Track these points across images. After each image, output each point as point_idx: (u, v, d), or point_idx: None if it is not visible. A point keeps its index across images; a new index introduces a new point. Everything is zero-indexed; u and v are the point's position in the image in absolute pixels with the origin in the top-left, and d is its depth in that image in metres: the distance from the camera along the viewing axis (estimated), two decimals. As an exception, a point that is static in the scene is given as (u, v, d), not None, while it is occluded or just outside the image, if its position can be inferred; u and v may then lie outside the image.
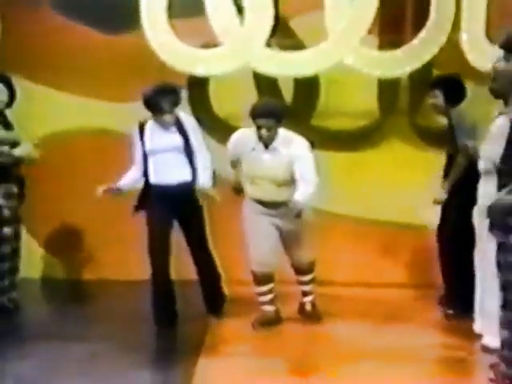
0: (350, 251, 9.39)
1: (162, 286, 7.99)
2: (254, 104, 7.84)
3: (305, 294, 8.26)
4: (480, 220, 6.95)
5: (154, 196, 7.94)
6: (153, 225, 7.94)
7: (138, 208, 7.92)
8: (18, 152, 8.38)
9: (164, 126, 7.92)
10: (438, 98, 8.51)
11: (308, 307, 8.19)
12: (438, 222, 8.59)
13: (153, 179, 7.89)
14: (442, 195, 8.10)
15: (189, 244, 8.18)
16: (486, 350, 6.93)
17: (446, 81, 8.57)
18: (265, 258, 7.92)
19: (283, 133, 7.71)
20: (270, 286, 8.05)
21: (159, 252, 7.95)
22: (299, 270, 8.20)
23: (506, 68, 6.47)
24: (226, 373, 6.64)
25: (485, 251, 6.96)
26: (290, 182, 7.74)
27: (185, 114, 8.14)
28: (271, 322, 7.96)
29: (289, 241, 8.01)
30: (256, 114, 7.62)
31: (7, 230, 8.49)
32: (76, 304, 9.32)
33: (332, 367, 6.72)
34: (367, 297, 9.15)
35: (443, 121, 8.66)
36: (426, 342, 7.56)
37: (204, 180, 7.80)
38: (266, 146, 7.73)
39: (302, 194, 7.60)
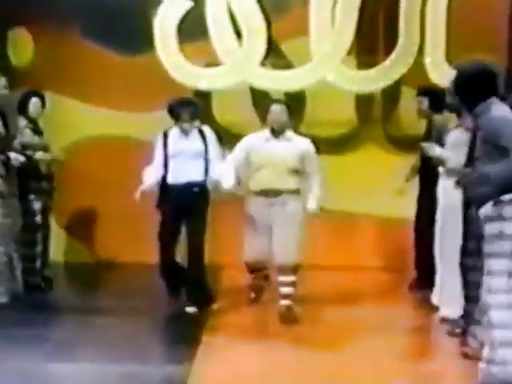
0: (329, 238, 9.43)
1: (168, 268, 8.00)
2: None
3: (283, 296, 7.73)
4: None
5: (170, 194, 7.97)
6: (165, 219, 7.98)
7: (159, 205, 7.95)
8: (46, 156, 8.51)
9: (184, 132, 8.01)
10: (422, 104, 8.63)
11: (283, 310, 7.60)
12: (415, 214, 8.79)
13: (170, 179, 7.93)
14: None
15: (187, 235, 8.10)
16: (444, 320, 7.26)
17: (431, 90, 8.70)
18: (257, 255, 7.82)
19: (290, 132, 7.82)
20: (262, 273, 8.06)
21: (167, 238, 7.94)
22: (282, 270, 7.74)
23: None
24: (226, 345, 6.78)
25: (445, 226, 7.35)
26: (294, 172, 7.70)
27: (207, 127, 8.18)
28: (261, 289, 8.02)
29: (278, 232, 7.71)
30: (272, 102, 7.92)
31: (38, 219, 8.65)
32: (97, 283, 9.60)
33: (321, 340, 6.84)
34: (347, 279, 9.27)
35: (413, 129, 9.06)
36: (396, 314, 7.86)
37: (217, 183, 7.85)
38: (277, 136, 7.72)
39: (314, 202, 7.68)
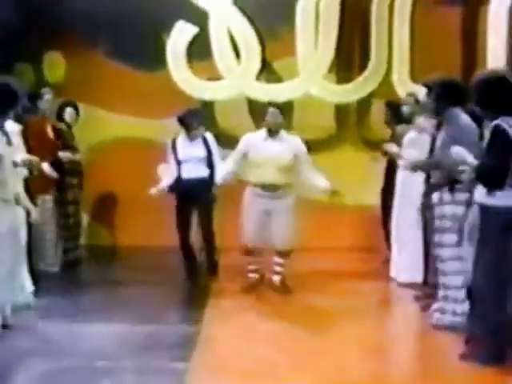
0: (313, 224, 9.22)
1: (185, 251, 8.32)
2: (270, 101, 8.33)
3: (276, 273, 7.93)
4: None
5: (183, 187, 8.19)
6: (179, 209, 8.25)
7: (171, 190, 8.18)
8: (74, 156, 8.84)
9: (192, 139, 8.24)
10: (387, 115, 8.86)
11: (277, 283, 7.86)
12: (381, 202, 9.04)
13: (184, 175, 8.18)
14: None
15: (199, 223, 8.37)
16: (403, 285, 7.86)
17: (392, 104, 8.84)
18: (254, 237, 7.78)
19: (284, 132, 7.78)
20: (257, 258, 7.96)
21: (183, 227, 8.25)
22: (279, 253, 7.88)
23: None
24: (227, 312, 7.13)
25: (401, 210, 7.92)
26: (289, 170, 7.66)
27: (209, 134, 8.42)
28: (254, 287, 7.90)
29: (276, 222, 7.73)
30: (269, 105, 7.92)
31: (71, 208, 9.05)
32: (118, 262, 9.87)
33: (310, 304, 7.31)
34: (328, 258, 9.34)
35: (381, 133, 9.25)
36: (368, 287, 8.17)
37: (218, 180, 8.05)
38: (273, 136, 7.65)
39: (323, 180, 7.69)
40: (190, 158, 8.26)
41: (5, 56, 9.38)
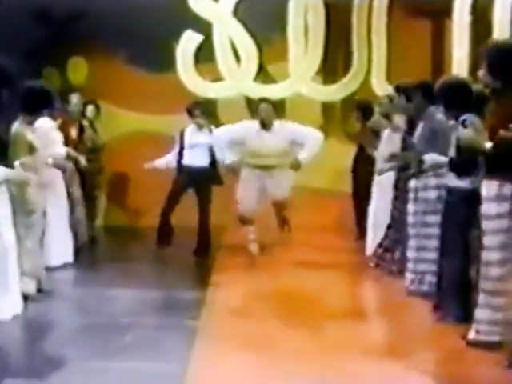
0: (301, 207, 9.24)
1: (163, 221, 8.37)
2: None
3: (283, 221, 8.34)
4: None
5: (183, 172, 8.31)
6: (174, 187, 8.34)
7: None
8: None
9: (199, 127, 8.31)
10: (357, 114, 9.09)
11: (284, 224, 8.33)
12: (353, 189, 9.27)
13: (185, 162, 8.29)
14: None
15: (199, 205, 8.39)
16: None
17: (363, 104, 9.11)
18: (248, 207, 7.85)
19: (277, 122, 7.81)
20: (252, 227, 8.07)
21: (170, 203, 8.33)
22: (277, 205, 8.08)
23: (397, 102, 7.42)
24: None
25: (378, 197, 8.06)
26: (286, 153, 7.65)
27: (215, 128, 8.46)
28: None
29: (273, 186, 7.82)
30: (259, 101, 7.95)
31: (91, 192, 9.22)
32: (134, 240, 10.03)
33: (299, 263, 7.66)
34: (313, 235, 9.37)
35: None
36: (342, 259, 8.38)
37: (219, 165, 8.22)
38: (266, 129, 7.58)
39: (305, 154, 7.66)
40: (196, 143, 8.28)
41: (35, 62, 9.63)
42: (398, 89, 7.37)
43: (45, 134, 7.12)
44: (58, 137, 7.84)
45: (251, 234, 8.19)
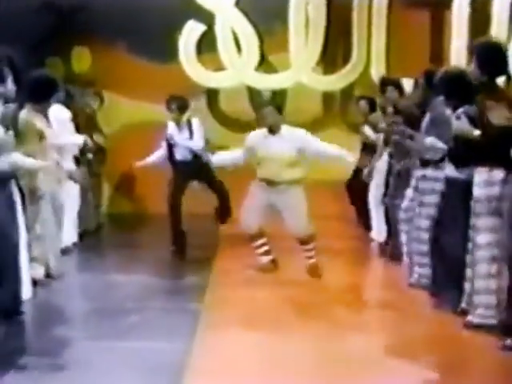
0: None
1: (175, 224, 8.16)
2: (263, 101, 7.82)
3: (309, 257, 7.06)
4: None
5: (178, 167, 8.16)
6: (173, 184, 8.15)
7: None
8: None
9: (176, 124, 8.06)
10: (360, 106, 9.07)
11: (312, 267, 7.04)
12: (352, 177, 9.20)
13: (177, 157, 8.13)
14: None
15: (209, 186, 8.25)
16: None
17: (366, 96, 9.12)
18: (249, 224, 7.01)
19: (285, 127, 6.99)
20: (262, 240, 7.09)
21: (175, 199, 8.12)
22: (301, 241, 7.03)
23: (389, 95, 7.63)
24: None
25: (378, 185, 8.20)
26: (294, 165, 6.92)
27: (196, 120, 8.19)
28: (268, 270, 7.15)
29: (288, 215, 6.95)
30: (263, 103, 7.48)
31: (94, 180, 9.47)
32: (138, 226, 10.38)
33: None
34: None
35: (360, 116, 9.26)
36: (342, 245, 8.69)
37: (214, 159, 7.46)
38: (274, 133, 6.89)
39: (346, 155, 7.07)
40: (177, 142, 8.11)
41: (38, 52, 9.78)
42: (385, 82, 7.58)
43: (62, 123, 7.38)
44: (72, 127, 8.07)
45: (260, 248, 7.18)
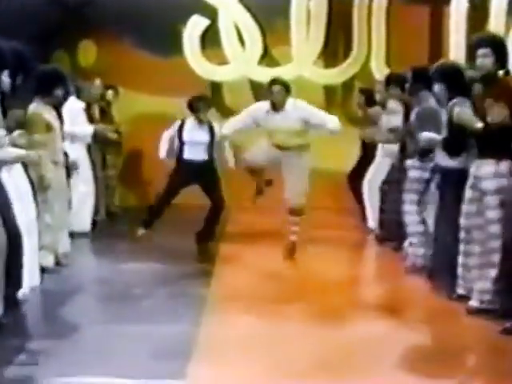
0: None
1: (159, 208, 8.09)
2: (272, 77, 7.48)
3: (292, 233, 7.41)
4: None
5: (183, 167, 7.98)
6: (173, 182, 7.98)
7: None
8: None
9: (199, 123, 7.92)
10: (360, 99, 9.17)
11: (290, 245, 7.40)
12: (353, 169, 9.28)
13: (186, 156, 7.94)
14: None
15: (210, 197, 7.97)
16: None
17: (367, 90, 9.13)
18: (254, 158, 7.27)
19: (290, 101, 7.21)
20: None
21: (167, 198, 8.03)
22: (291, 211, 7.30)
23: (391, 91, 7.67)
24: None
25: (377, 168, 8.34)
26: (302, 133, 7.12)
27: (215, 123, 8.08)
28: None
29: (289, 179, 7.21)
30: (272, 82, 7.28)
31: (110, 171, 9.68)
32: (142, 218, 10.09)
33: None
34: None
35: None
36: (341, 234, 8.77)
37: (222, 130, 7.71)
38: (277, 111, 7.08)
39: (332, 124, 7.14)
40: (194, 140, 7.97)
41: (45, 45, 9.87)
42: (389, 79, 7.70)
43: (75, 113, 7.61)
44: (84, 118, 8.29)
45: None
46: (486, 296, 5.49)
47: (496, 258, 5.37)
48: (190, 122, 8.05)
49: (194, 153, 7.96)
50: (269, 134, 7.23)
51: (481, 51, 5.41)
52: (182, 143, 8.03)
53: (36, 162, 5.97)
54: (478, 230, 5.55)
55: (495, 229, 5.39)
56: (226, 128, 7.63)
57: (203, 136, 7.97)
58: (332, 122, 7.31)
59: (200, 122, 7.99)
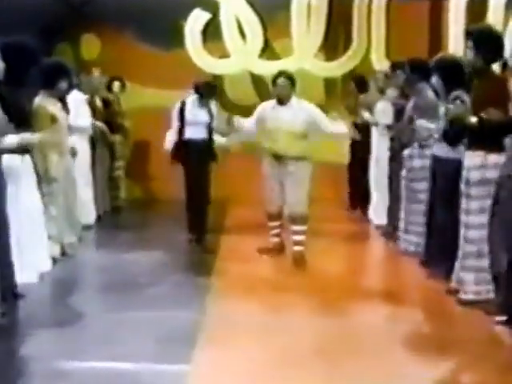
0: None
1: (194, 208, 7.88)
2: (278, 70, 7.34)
3: (296, 243, 7.11)
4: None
5: (188, 146, 7.82)
6: (189, 166, 7.83)
7: (174, 158, 7.86)
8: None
9: (202, 105, 7.82)
10: (351, 86, 9.45)
11: (297, 255, 7.05)
12: (350, 161, 9.59)
13: (187, 136, 7.81)
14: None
15: (197, 191, 7.84)
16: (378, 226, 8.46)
17: (358, 77, 9.50)
18: (273, 203, 7.13)
19: (295, 98, 7.13)
20: (278, 223, 7.27)
21: (196, 183, 7.79)
22: (293, 220, 7.09)
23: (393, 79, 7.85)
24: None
25: (377, 160, 8.36)
26: (302, 137, 6.99)
27: (213, 103, 8.06)
28: (274, 250, 7.34)
29: (289, 189, 7.05)
30: (277, 75, 7.15)
31: (118, 163, 9.77)
32: (151, 211, 10.37)
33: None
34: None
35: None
36: (342, 227, 8.85)
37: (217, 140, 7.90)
38: (283, 104, 7.00)
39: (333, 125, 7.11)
40: (196, 121, 7.90)
41: (49, 39, 9.85)
42: (394, 67, 7.78)
43: (76, 105, 7.69)
44: (86, 110, 8.34)
45: (274, 230, 7.38)
46: (474, 287, 5.54)
47: (474, 248, 5.45)
48: (190, 102, 8.00)
49: (195, 132, 7.90)
50: (271, 139, 7.07)
51: (467, 43, 5.49)
52: (183, 124, 7.97)
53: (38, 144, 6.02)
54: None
55: (475, 220, 5.45)
56: (243, 122, 7.47)
57: (204, 116, 7.94)
58: (338, 125, 7.36)
59: (203, 104, 7.96)
